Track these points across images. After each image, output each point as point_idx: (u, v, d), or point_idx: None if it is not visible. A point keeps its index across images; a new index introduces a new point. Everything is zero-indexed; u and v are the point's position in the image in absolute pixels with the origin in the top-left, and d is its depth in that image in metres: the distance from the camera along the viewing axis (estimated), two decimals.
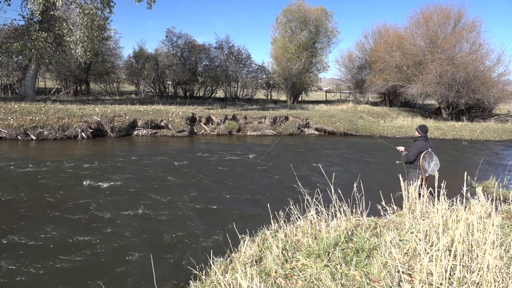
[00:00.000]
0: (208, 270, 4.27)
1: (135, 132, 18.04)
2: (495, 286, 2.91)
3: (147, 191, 8.83)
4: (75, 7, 19.11)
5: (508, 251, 3.45)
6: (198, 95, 34.76)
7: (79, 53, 19.76)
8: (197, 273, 4.19)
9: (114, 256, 5.51)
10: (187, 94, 33.16)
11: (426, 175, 6.71)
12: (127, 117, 17.95)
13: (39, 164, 10.80)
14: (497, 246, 3.31)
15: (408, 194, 5.36)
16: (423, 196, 5.34)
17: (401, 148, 7.45)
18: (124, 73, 32.54)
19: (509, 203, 6.21)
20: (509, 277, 3.01)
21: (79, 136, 16.12)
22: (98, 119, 17.04)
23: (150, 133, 18.22)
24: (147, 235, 6.31)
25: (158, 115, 18.80)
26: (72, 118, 16.50)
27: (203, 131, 19.47)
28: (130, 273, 5.04)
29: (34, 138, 15.17)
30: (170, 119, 18.77)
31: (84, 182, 9.29)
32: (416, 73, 26.62)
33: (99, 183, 9.26)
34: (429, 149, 6.82)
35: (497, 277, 2.99)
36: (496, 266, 3.00)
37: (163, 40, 31.47)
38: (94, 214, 7.21)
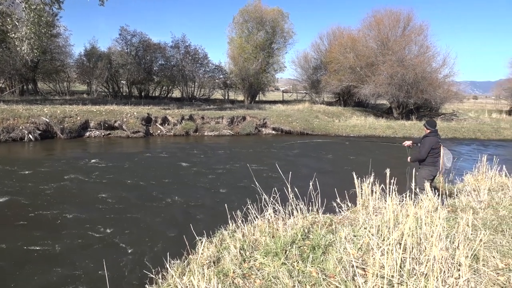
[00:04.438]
0: (165, 274, 4.18)
1: (87, 134, 17.38)
2: (441, 275, 3.06)
3: (98, 193, 8.54)
4: (20, 2, 18.08)
5: (453, 242, 3.65)
6: (153, 95, 34.00)
7: (25, 51, 18.67)
8: (153, 276, 4.09)
9: (63, 261, 5.28)
10: (142, 94, 32.34)
11: (443, 171, 6.53)
12: (79, 118, 17.25)
13: None
14: (443, 238, 3.49)
15: (361, 191, 5.53)
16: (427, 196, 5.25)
17: (408, 143, 7.03)
18: (75, 72, 31.18)
19: (454, 197, 6.57)
20: (454, 266, 3.19)
21: (26, 138, 15.31)
22: (47, 120, 16.26)
23: (103, 134, 17.62)
24: (98, 239, 6.10)
25: (112, 116, 18.21)
26: (17, 119, 15.63)
27: (159, 131, 19.09)
28: (81, 278, 4.85)
29: None
30: (125, 119, 18.24)
31: (31, 186, 8.84)
32: (369, 74, 27.56)
33: (47, 186, 8.84)
34: (441, 144, 6.57)
35: (443, 267, 3.15)
36: (442, 257, 3.16)
37: (117, 38, 30.46)
38: (45, 217, 6.88)
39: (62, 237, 6.12)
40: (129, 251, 5.71)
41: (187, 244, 4.53)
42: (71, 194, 8.50)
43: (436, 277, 2.93)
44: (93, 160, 12.05)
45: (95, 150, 14.54)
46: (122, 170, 10.95)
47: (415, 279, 3.10)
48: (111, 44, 31.39)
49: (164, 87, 34.30)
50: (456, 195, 6.65)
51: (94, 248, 5.80)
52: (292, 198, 4.97)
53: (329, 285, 3.31)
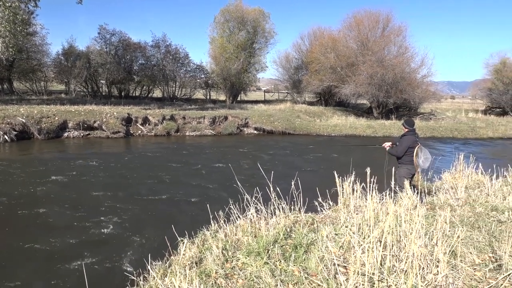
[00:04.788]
0: (146, 275, 4.13)
1: (66, 134, 17.04)
2: (420, 272, 3.12)
3: (77, 195, 8.39)
4: None
5: (432, 239, 3.72)
6: (134, 95, 33.55)
7: (0, 49, 18.20)
8: (135, 278, 4.04)
9: (40, 262, 5.17)
10: (122, 94, 31.86)
11: (419, 170, 6.63)
12: (57, 118, 16.88)
13: None
14: (422, 235, 3.56)
15: (342, 190, 5.58)
16: (406, 194, 5.34)
17: (388, 144, 7.13)
18: (53, 71, 30.41)
19: (432, 195, 6.71)
20: (433, 263, 3.25)
21: (1, 139, 14.90)
22: (23, 120, 15.87)
23: (82, 134, 17.30)
24: (77, 241, 5.99)
25: (91, 116, 17.90)
26: None
27: (139, 132, 18.86)
28: (58, 280, 4.75)
29: None
30: (104, 119, 17.95)
31: (8, 186, 8.61)
32: (349, 74, 27.85)
33: (25, 187, 8.63)
34: (419, 144, 6.65)
35: (422, 263, 3.21)
36: (421, 253, 3.22)
37: (96, 37, 29.84)
38: (22, 218, 6.71)
39: (40, 238, 5.98)
40: (109, 253, 5.62)
41: (168, 245, 4.50)
42: (50, 195, 8.31)
43: (416, 274, 2.98)
44: (72, 161, 11.82)
45: (75, 150, 14.28)
46: (101, 171, 10.77)
47: (395, 276, 3.15)
48: (90, 43, 30.75)
49: (144, 87, 33.90)
50: (435, 193, 6.80)
51: (73, 249, 5.68)
52: (274, 197, 4.98)
53: (311, 284, 3.33)
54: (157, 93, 34.60)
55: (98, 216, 7.12)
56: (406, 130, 6.84)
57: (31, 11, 22.36)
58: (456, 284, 3.19)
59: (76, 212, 7.29)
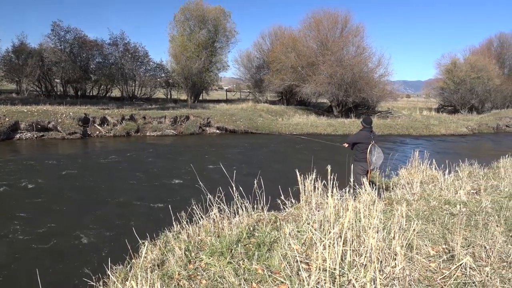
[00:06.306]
0: (107, 280, 4.00)
1: (18, 136, 16.23)
2: (379, 265, 3.22)
3: (31, 198, 8.01)
4: None
5: (389, 233, 3.85)
6: (91, 94, 32.39)
7: None
8: (94, 284, 3.91)
9: None
10: (79, 94, 30.68)
11: (371, 168, 6.83)
12: (7, 119, 16.04)
13: None
14: (380, 229, 3.67)
15: (304, 188, 5.66)
16: (365, 190, 5.45)
17: (346, 144, 7.41)
18: (2, 69, 28.87)
19: (390, 190, 6.95)
20: (390, 256, 3.37)
21: None
22: None
23: (36, 136, 16.54)
24: (31, 246, 5.72)
25: (45, 116, 17.14)
26: None
27: (98, 132, 18.27)
28: None
29: None
30: (60, 120, 17.24)
31: None
32: (310, 74, 28.29)
33: None
34: (373, 142, 6.84)
35: (380, 257, 3.32)
36: (379, 247, 3.32)
37: (49, 34, 28.57)
38: None
39: None
40: (66, 258, 5.41)
41: (129, 248, 4.38)
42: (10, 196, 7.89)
43: (374, 268, 3.07)
44: (22, 163, 11.26)
45: (26, 152, 13.62)
46: (55, 174, 10.34)
47: (355, 270, 3.23)
48: (43, 40, 29.35)
49: (102, 86, 32.83)
50: (392, 188, 7.05)
51: (26, 256, 5.42)
52: (237, 197, 4.97)
53: (275, 281, 3.35)
54: (115, 93, 33.63)
55: (53, 221, 6.82)
56: (362, 127, 7.20)
57: None
58: (412, 276, 3.32)
59: (25, 216, 6.96)
